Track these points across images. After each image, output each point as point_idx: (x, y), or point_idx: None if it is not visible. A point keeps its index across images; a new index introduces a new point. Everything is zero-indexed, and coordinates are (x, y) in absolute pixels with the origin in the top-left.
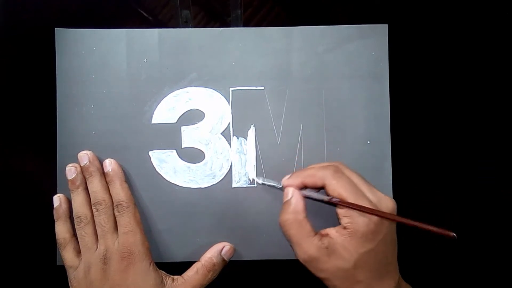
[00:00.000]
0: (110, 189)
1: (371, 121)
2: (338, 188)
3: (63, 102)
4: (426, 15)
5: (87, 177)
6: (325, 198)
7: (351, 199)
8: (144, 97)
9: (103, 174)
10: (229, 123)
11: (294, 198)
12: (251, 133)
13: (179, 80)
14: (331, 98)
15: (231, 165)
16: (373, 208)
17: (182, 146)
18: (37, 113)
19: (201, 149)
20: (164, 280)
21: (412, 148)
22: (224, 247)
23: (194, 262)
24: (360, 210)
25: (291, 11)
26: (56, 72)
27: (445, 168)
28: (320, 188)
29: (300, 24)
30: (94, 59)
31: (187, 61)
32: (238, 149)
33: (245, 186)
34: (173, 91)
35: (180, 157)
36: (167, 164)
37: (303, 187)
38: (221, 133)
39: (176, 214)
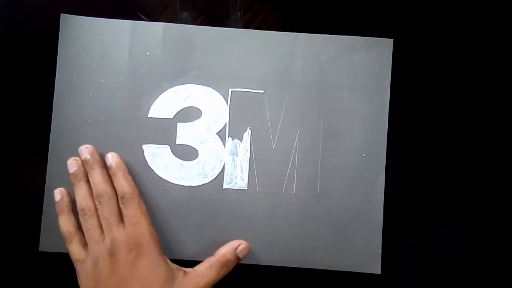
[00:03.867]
0: (114, 182)
1: (368, 134)
2: None
3: (61, 88)
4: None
5: (88, 170)
6: None
7: None
8: (143, 90)
9: (104, 167)
10: (226, 124)
11: None
12: (247, 135)
13: (179, 76)
14: (330, 107)
15: (223, 166)
16: None
17: (177, 143)
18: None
19: (195, 147)
20: (175, 273)
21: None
22: (240, 245)
23: (179, 260)
24: None
25: (291, 15)
26: (58, 57)
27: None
28: None
29: (300, 28)
30: (97, 48)
31: (189, 58)
32: (232, 150)
33: (235, 188)
34: (172, 87)
35: (173, 153)
36: (159, 159)
37: None
38: (216, 133)
39: (164, 210)
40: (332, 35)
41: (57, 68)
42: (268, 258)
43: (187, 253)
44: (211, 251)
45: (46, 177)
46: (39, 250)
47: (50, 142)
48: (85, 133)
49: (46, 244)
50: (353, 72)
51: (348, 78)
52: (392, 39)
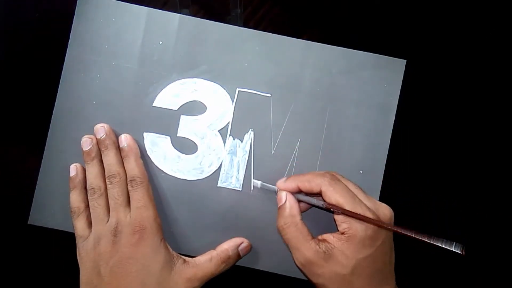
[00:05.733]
0: (125, 164)
1: (368, 151)
2: (335, 195)
3: (71, 65)
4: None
5: (102, 149)
6: (322, 204)
7: (348, 206)
8: (151, 78)
9: (118, 148)
10: (229, 122)
11: (288, 202)
12: (248, 136)
13: (189, 69)
14: (335, 120)
15: (221, 164)
16: (372, 215)
17: (177, 135)
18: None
19: (195, 142)
20: (174, 259)
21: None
22: (242, 242)
23: None
24: (357, 218)
25: (290, 11)
26: (71, 35)
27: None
28: (315, 194)
29: (299, 26)
30: (111, 30)
31: (201, 52)
32: (231, 149)
33: (229, 187)
34: (181, 79)
35: (172, 145)
36: (158, 149)
37: (298, 191)
38: (218, 130)
39: (156, 199)
40: (346, 49)
41: (68, 45)
42: (252, 261)
43: (172, 245)
44: (196, 246)
45: (45, 151)
46: (28, 223)
47: (52, 118)
48: (88, 112)
49: (35, 218)
50: (362, 89)
51: (356, 94)
52: (405, 61)
